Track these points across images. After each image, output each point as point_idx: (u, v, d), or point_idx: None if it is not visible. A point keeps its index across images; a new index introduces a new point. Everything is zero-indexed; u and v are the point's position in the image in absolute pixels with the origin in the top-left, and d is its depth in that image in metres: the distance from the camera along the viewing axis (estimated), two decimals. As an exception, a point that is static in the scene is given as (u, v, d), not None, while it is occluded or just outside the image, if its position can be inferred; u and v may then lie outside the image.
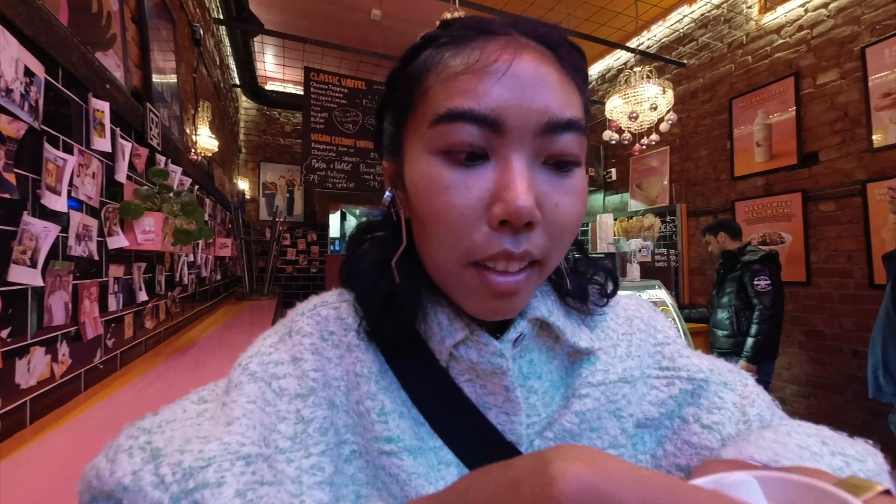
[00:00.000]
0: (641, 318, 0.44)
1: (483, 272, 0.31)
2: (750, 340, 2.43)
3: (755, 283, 2.45)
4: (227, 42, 3.90)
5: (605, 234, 3.64)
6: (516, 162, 0.30)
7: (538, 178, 0.31)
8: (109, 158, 1.20)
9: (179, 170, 1.81)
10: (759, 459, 0.29)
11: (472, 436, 0.35)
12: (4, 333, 0.77)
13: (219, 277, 3.05)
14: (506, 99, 0.29)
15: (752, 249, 2.58)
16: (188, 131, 2.40)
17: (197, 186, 2.28)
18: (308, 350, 0.36)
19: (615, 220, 4.16)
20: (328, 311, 0.39)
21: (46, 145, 0.88)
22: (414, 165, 0.33)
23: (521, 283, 0.32)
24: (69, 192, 0.97)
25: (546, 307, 0.38)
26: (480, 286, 0.32)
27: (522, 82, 0.30)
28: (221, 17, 3.40)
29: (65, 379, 0.97)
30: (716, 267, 2.79)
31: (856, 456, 0.31)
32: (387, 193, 0.38)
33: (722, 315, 2.64)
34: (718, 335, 2.66)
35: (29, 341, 0.84)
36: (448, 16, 2.46)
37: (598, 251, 3.57)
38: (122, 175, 1.25)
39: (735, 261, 2.59)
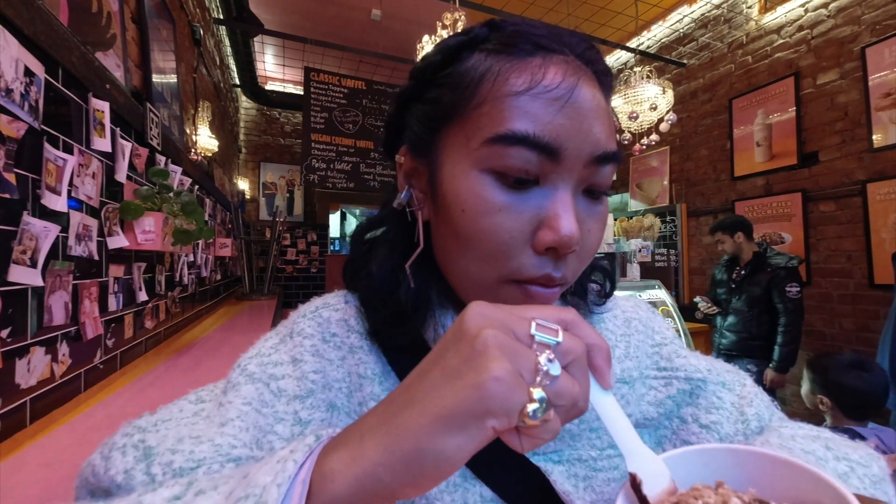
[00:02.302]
0: (639, 319, 0.44)
1: (525, 286, 0.31)
2: (779, 350, 2.35)
3: (787, 289, 2.35)
4: (227, 42, 3.90)
5: (605, 234, 3.64)
6: (566, 190, 0.30)
7: (578, 205, 0.31)
8: (109, 158, 1.20)
9: (179, 170, 1.81)
10: None
11: None
12: (4, 333, 0.77)
13: (219, 277, 3.05)
14: (567, 128, 0.29)
15: (779, 253, 2.49)
16: (188, 131, 2.40)
17: (197, 186, 2.28)
18: (308, 352, 0.36)
19: (615, 220, 4.16)
20: (330, 313, 0.39)
21: (46, 145, 0.88)
22: (459, 178, 0.31)
23: (557, 294, 0.33)
24: (69, 192, 0.97)
25: None
26: (523, 299, 0.32)
27: (581, 112, 0.30)
28: (221, 17, 3.40)
29: (65, 379, 0.97)
30: (739, 267, 2.61)
31: (860, 461, 0.32)
32: (403, 193, 0.36)
33: (735, 318, 2.54)
34: (728, 335, 2.58)
35: (29, 341, 0.84)
36: (451, 16, 2.46)
37: (599, 251, 3.57)
38: (122, 175, 1.25)
39: (764, 264, 2.47)
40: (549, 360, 0.21)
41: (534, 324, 0.22)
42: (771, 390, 2.39)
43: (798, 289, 2.36)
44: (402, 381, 0.24)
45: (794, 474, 0.24)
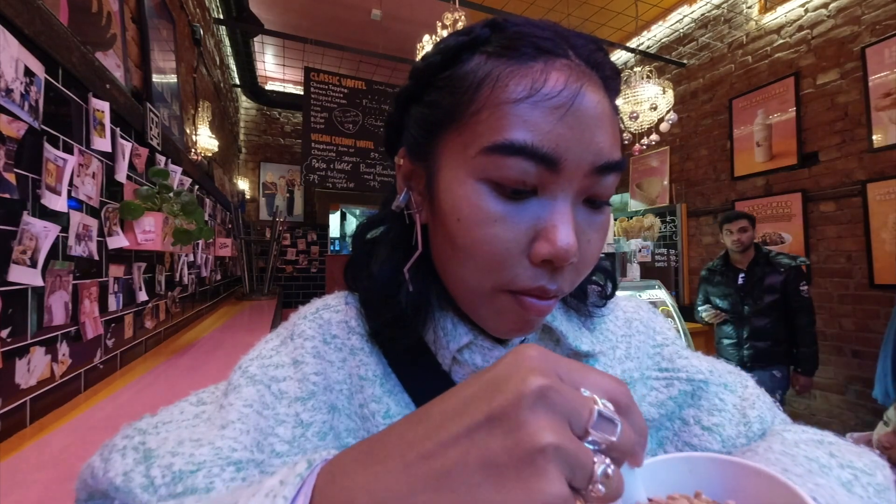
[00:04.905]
0: (640, 319, 0.44)
1: (519, 297, 0.31)
2: (805, 352, 2.26)
3: (801, 288, 2.27)
4: (227, 42, 3.90)
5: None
6: (565, 201, 0.29)
7: (577, 215, 0.30)
8: (109, 158, 1.20)
9: (179, 170, 1.81)
10: None
11: None
12: (4, 333, 0.77)
13: (219, 277, 3.05)
14: (567, 138, 0.28)
15: (780, 252, 2.39)
16: (188, 131, 2.40)
17: (197, 186, 2.28)
18: (310, 353, 0.36)
19: (615, 220, 4.16)
20: (331, 315, 0.38)
21: (46, 145, 0.88)
22: (455, 187, 0.31)
23: (552, 306, 0.32)
24: (69, 192, 0.97)
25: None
26: (517, 308, 0.31)
27: (583, 122, 0.29)
28: (221, 17, 3.40)
29: (65, 379, 0.97)
30: (744, 267, 2.42)
31: (864, 469, 0.31)
32: (402, 196, 0.36)
33: (755, 326, 2.34)
34: (751, 346, 2.35)
35: (29, 341, 0.84)
36: (451, 16, 2.46)
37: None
38: (122, 175, 1.25)
39: (773, 265, 2.34)
40: (605, 475, 0.18)
41: (595, 414, 0.19)
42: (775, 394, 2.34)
43: (807, 287, 2.29)
44: (419, 425, 0.20)
45: (774, 489, 0.24)
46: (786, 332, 2.32)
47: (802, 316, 2.27)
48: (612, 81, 0.32)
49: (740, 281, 2.43)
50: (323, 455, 0.22)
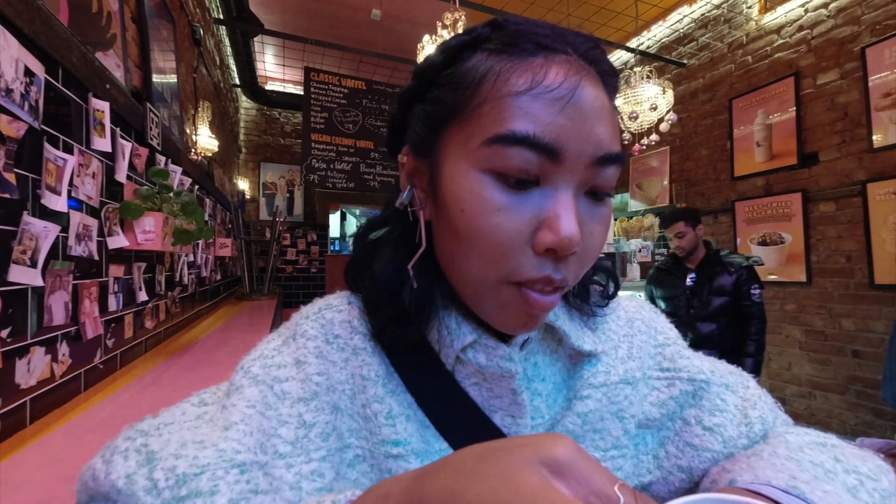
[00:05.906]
0: (642, 319, 0.44)
1: (523, 290, 0.31)
2: (749, 361, 2.06)
3: (752, 291, 2.09)
4: (227, 42, 3.90)
5: (605, 234, 3.64)
6: (567, 192, 0.30)
7: (580, 206, 0.31)
8: (109, 158, 1.20)
9: (179, 170, 1.81)
10: (777, 485, 0.29)
11: (478, 439, 0.35)
12: (4, 333, 0.77)
13: (219, 277, 3.05)
14: (568, 129, 0.29)
15: (731, 252, 2.20)
16: (188, 131, 2.40)
17: (197, 186, 2.28)
18: (312, 353, 0.36)
19: (615, 220, 4.16)
20: (333, 315, 0.38)
21: (46, 145, 0.88)
22: (459, 179, 0.31)
23: (555, 301, 0.32)
24: (69, 192, 0.96)
25: (553, 311, 0.38)
26: (520, 303, 0.31)
27: (583, 113, 0.29)
28: (221, 17, 3.40)
29: (65, 379, 0.97)
30: (694, 268, 2.25)
31: (869, 474, 0.31)
32: (405, 193, 0.36)
33: (707, 329, 2.17)
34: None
35: (29, 341, 0.84)
36: (451, 16, 2.46)
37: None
38: (122, 175, 1.25)
39: (723, 264, 2.15)
40: None
41: None
42: None
43: (759, 291, 2.10)
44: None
45: None
46: (734, 342, 2.13)
47: (752, 323, 2.09)
48: (609, 78, 0.33)
49: (689, 282, 2.24)
50: (347, 496, 0.23)
